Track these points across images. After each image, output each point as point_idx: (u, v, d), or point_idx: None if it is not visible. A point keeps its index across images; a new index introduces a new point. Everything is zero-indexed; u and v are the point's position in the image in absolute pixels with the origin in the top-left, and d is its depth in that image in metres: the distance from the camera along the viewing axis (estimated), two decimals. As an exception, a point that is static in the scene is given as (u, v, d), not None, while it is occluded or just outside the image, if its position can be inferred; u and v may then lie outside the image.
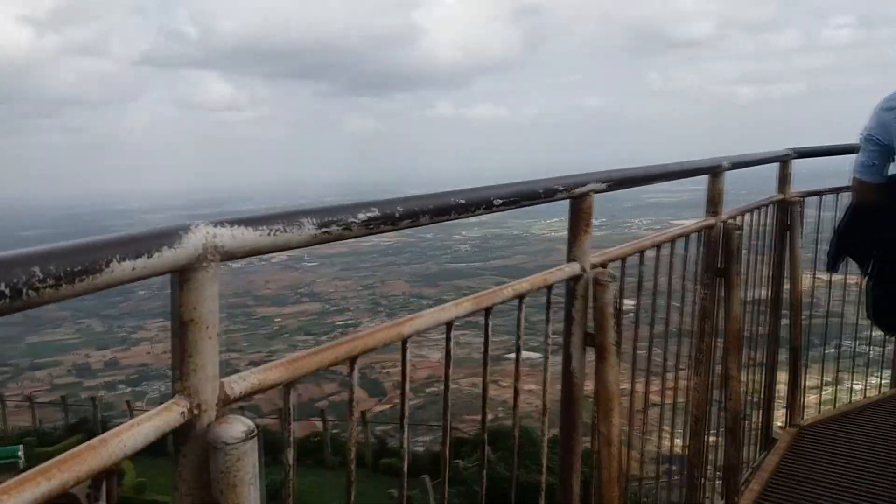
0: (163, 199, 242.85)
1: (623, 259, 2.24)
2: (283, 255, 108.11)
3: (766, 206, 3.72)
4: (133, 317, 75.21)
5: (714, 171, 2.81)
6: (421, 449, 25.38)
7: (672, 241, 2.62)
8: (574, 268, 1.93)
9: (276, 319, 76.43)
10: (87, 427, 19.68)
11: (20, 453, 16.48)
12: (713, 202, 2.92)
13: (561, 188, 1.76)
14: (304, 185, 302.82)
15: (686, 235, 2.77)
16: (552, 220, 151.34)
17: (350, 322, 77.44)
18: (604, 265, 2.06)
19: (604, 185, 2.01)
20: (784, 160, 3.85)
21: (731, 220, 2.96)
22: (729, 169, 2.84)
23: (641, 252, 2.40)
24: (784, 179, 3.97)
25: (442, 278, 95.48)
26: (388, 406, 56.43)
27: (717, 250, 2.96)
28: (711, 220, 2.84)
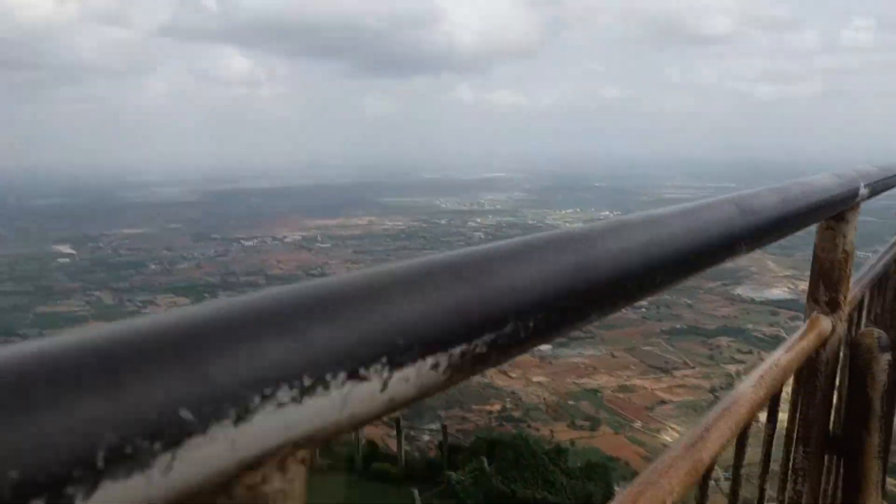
0: (178, 173, 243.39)
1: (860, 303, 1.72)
2: (296, 235, 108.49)
3: None
4: (144, 290, 75.36)
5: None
6: (416, 453, 24.31)
7: None
8: (822, 326, 1.40)
9: (286, 299, 76.29)
10: None
11: None
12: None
13: (812, 205, 1.11)
14: (321, 166, 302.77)
15: None
16: (567, 211, 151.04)
17: (359, 305, 77.43)
18: (854, 318, 1.60)
19: (868, 190, 1.41)
20: None
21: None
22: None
23: None
24: None
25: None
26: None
27: None
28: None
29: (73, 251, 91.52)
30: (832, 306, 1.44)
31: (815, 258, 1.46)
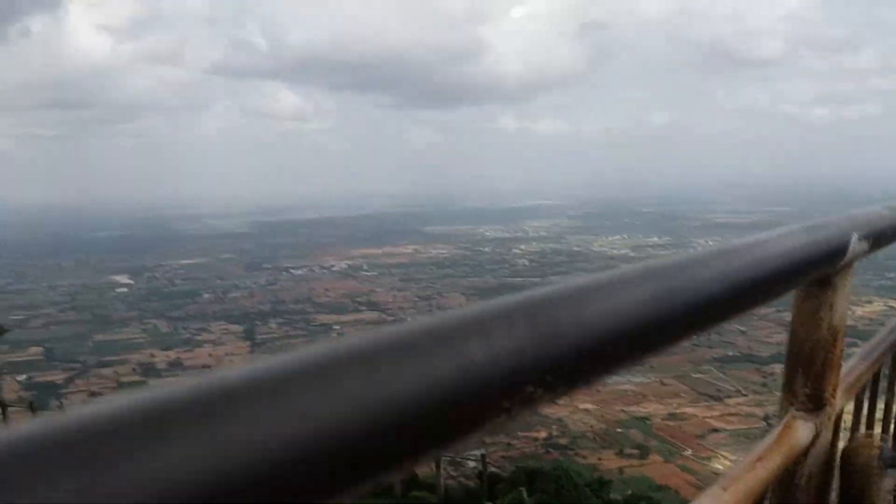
0: (230, 205, 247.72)
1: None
2: (343, 264, 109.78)
3: None
4: (198, 319, 76.82)
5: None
6: (452, 482, 24.03)
7: None
8: (801, 431, 1.08)
9: (334, 327, 77.15)
10: None
11: None
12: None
13: (792, 266, 0.91)
14: (368, 196, 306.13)
15: None
16: (614, 237, 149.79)
17: (407, 333, 77.94)
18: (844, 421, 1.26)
19: (867, 245, 1.10)
20: None
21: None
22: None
23: None
24: None
25: (499, 292, 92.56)
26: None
27: None
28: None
29: (130, 281, 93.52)
30: (814, 403, 1.09)
31: (792, 337, 1.12)
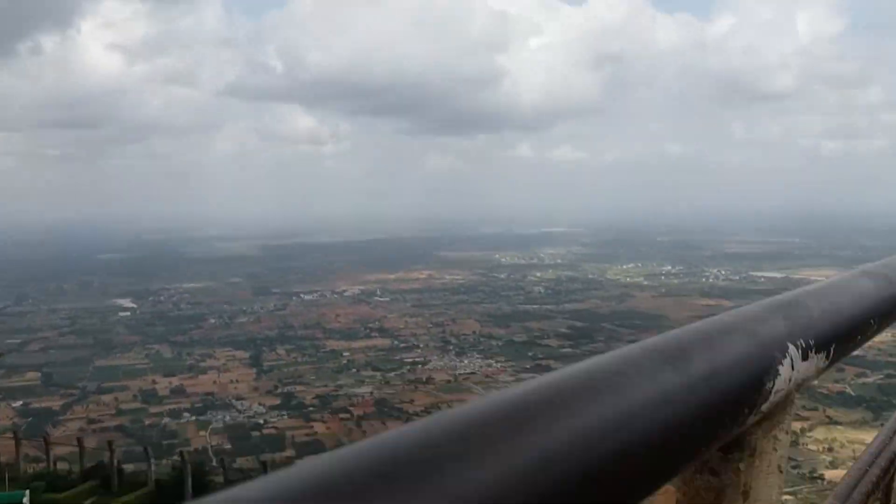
0: (240, 228, 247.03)
1: None
2: (355, 289, 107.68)
3: None
4: (202, 344, 74.95)
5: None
6: None
7: None
8: None
9: (344, 353, 75.04)
10: (103, 473, 17.60)
11: (25, 500, 14.48)
12: None
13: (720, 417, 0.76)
14: (382, 221, 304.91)
15: None
16: (629, 265, 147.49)
17: (419, 360, 75.42)
18: None
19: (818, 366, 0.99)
20: None
21: None
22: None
23: None
24: None
25: (514, 319, 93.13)
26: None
27: None
28: None
29: (133, 305, 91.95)
30: None
31: None
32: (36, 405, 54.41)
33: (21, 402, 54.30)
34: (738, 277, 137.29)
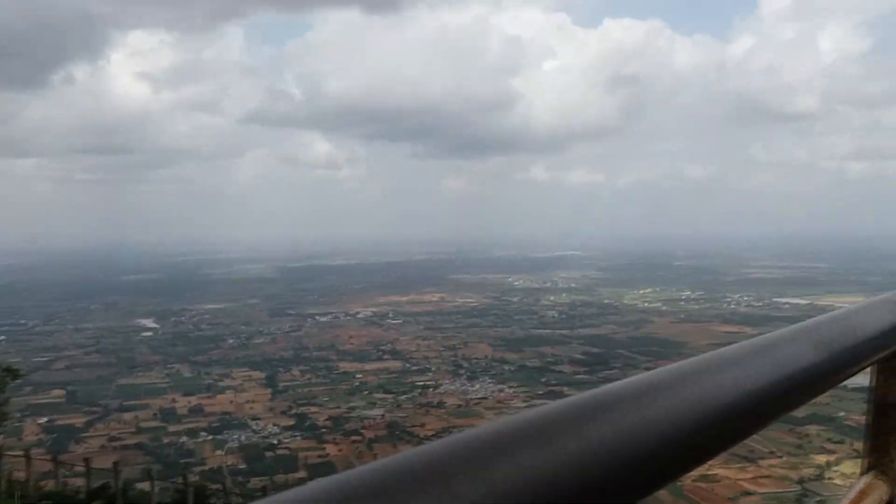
0: (261, 250, 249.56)
1: None
2: (368, 311, 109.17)
3: None
4: (221, 364, 76.40)
5: None
6: None
7: None
8: (880, 494, 1.10)
9: (357, 375, 76.26)
10: (108, 494, 18.35)
11: None
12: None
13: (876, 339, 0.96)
14: (398, 244, 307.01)
15: None
16: (646, 290, 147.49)
17: (430, 383, 76.47)
18: None
19: None
20: None
21: None
22: None
23: None
24: None
25: (527, 344, 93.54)
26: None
27: None
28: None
29: (156, 325, 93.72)
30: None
31: (878, 403, 1.13)
32: (60, 422, 55.72)
33: (46, 419, 55.68)
34: (760, 304, 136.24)
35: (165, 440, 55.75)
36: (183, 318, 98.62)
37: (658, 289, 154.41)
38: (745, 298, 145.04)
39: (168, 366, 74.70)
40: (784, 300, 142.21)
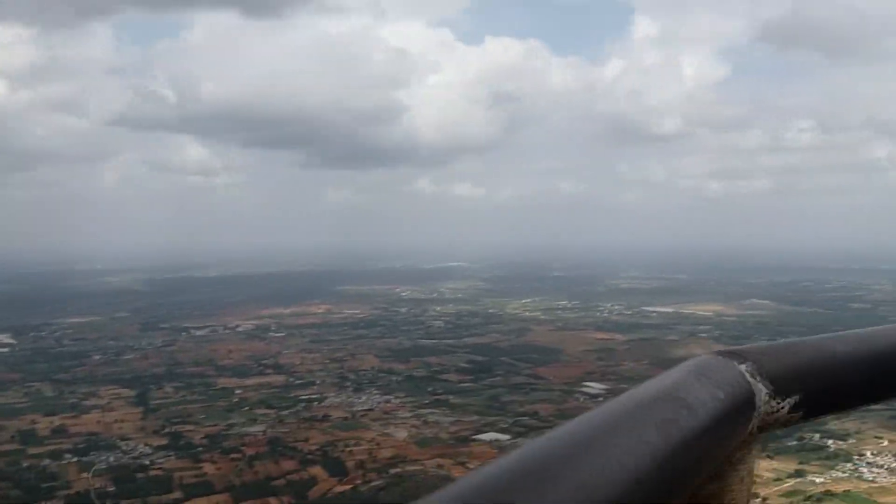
0: (128, 261, 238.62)
1: None
2: (249, 324, 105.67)
3: None
4: (86, 382, 72.24)
5: None
6: None
7: None
8: None
9: (236, 391, 73.55)
10: None
11: None
12: None
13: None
14: (277, 254, 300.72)
15: None
16: (527, 300, 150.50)
17: (314, 397, 74.51)
18: None
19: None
20: None
21: None
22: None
23: None
24: None
25: (414, 354, 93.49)
26: (348, 487, 53.39)
27: None
28: None
29: (12, 341, 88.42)
30: None
31: None
32: None
33: None
34: (630, 312, 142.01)
35: (25, 463, 52.00)
36: (43, 332, 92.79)
37: (538, 299, 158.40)
38: (617, 307, 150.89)
39: (27, 384, 70.24)
40: (652, 309, 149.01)
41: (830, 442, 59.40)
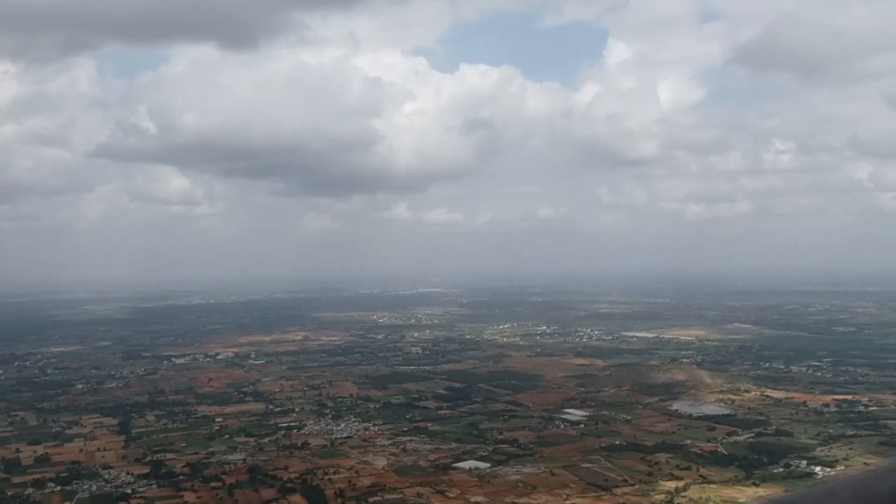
0: (111, 291, 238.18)
1: None
2: (229, 352, 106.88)
3: None
4: (69, 411, 73.00)
5: None
6: None
7: None
8: None
9: (216, 419, 74.52)
10: None
11: None
12: None
13: None
14: (260, 282, 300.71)
15: None
16: (504, 326, 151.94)
17: (293, 424, 75.79)
18: None
19: None
20: None
21: None
22: None
23: None
24: None
25: (392, 381, 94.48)
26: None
27: None
28: None
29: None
30: None
31: None
32: None
33: None
34: (610, 337, 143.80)
35: (9, 492, 53.02)
36: (28, 362, 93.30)
37: (516, 324, 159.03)
38: (596, 332, 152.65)
39: (11, 413, 71.03)
40: (631, 334, 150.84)
41: (818, 469, 61.05)
